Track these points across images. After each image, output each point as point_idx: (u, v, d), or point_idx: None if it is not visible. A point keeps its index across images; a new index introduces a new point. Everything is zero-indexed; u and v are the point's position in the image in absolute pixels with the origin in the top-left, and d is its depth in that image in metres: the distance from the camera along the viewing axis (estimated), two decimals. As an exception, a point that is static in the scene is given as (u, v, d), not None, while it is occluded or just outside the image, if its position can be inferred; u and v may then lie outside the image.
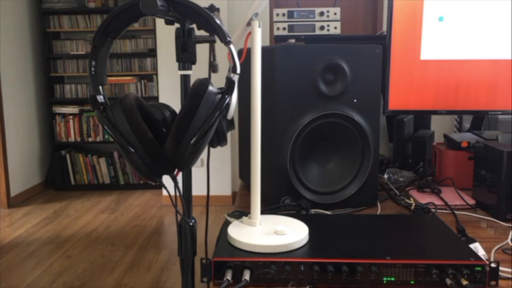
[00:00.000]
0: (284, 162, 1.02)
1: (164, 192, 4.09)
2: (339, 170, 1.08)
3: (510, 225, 0.99)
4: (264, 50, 1.03)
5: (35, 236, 3.29)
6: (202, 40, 0.77)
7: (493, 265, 0.72)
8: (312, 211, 1.03)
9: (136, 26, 4.30)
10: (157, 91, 4.06)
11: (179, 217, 0.79)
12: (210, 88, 0.69)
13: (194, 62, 0.78)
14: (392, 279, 0.73)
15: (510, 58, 1.20)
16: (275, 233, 0.81)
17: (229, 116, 0.73)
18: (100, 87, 0.71)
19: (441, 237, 0.83)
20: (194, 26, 0.76)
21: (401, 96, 1.22)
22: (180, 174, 0.77)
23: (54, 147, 4.52)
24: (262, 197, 0.89)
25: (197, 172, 3.72)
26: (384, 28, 2.64)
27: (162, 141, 0.71)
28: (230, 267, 0.74)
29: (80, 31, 4.53)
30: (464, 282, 0.70)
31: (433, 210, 1.04)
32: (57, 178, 4.42)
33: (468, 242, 0.85)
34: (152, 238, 3.23)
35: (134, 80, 4.39)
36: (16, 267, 2.79)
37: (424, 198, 1.13)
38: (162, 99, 3.85)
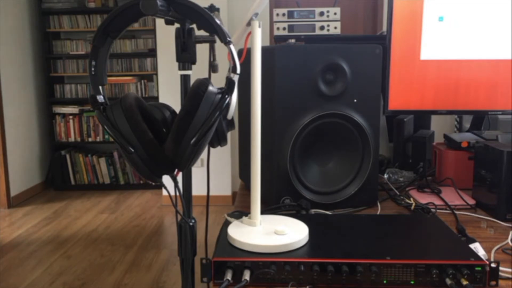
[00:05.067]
0: (284, 162, 1.02)
1: (164, 192, 4.09)
2: (339, 170, 1.08)
3: (510, 225, 0.99)
4: (264, 50, 1.03)
5: (35, 236, 3.29)
6: (202, 40, 0.77)
7: (493, 265, 0.72)
8: (312, 211, 1.03)
9: (136, 26, 4.30)
10: (157, 91, 4.06)
11: (179, 217, 0.79)
12: (210, 88, 0.69)
13: (194, 62, 0.78)
14: (392, 279, 0.73)
15: (510, 58, 1.20)
16: (275, 233, 0.81)
17: (229, 116, 0.73)
18: (100, 87, 0.71)
19: (441, 237, 0.83)
20: (194, 26, 0.76)
21: (401, 96, 1.22)
22: (180, 174, 0.77)
23: (54, 147, 4.52)
24: (262, 197, 0.89)
25: (197, 172, 3.72)
26: (384, 28, 2.63)
27: (162, 141, 0.71)
28: (230, 267, 0.74)
29: (80, 31, 4.53)
30: (464, 282, 0.70)
31: (433, 210, 1.04)
32: (57, 178, 4.42)
33: (468, 242, 0.85)
34: (152, 238, 3.23)
35: (134, 80, 4.39)
36: (16, 267, 2.79)
37: (424, 198, 1.13)
38: (162, 99, 3.85)
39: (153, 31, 4.25)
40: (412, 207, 1.07)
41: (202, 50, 1.80)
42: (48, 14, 4.38)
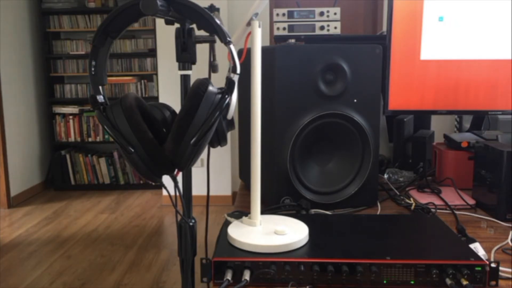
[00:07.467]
0: (284, 162, 1.02)
1: (164, 192, 4.09)
2: (339, 170, 1.08)
3: (510, 225, 0.99)
4: (264, 50, 1.03)
5: (35, 236, 3.29)
6: (202, 40, 0.77)
7: (493, 265, 0.72)
8: (312, 211, 1.03)
9: (136, 26, 4.30)
10: (157, 91, 4.06)
11: (179, 217, 0.79)
12: (210, 88, 0.69)
13: (194, 62, 0.78)
14: (392, 279, 0.73)
15: (510, 58, 1.20)
16: (275, 233, 0.81)
17: (229, 116, 0.73)
18: (100, 87, 0.71)
19: (441, 237, 0.83)
20: (194, 26, 0.76)
21: (401, 96, 1.22)
22: (180, 174, 0.77)
23: (54, 147, 4.52)
24: (262, 197, 0.89)
25: (197, 172, 3.72)
26: (384, 28, 2.63)
27: (162, 141, 0.71)
28: (230, 267, 0.74)
29: (80, 31, 4.53)
30: (464, 282, 0.70)
31: (433, 210, 1.04)
32: (57, 178, 4.42)
33: (468, 242, 0.85)
34: (152, 238, 3.23)
35: (134, 80, 4.39)
36: (16, 267, 2.79)
37: (424, 198, 1.13)
38: (162, 99, 3.85)
39: (153, 31, 4.25)
40: (412, 207, 1.07)
41: (202, 50, 1.80)
42: (48, 14, 4.38)
